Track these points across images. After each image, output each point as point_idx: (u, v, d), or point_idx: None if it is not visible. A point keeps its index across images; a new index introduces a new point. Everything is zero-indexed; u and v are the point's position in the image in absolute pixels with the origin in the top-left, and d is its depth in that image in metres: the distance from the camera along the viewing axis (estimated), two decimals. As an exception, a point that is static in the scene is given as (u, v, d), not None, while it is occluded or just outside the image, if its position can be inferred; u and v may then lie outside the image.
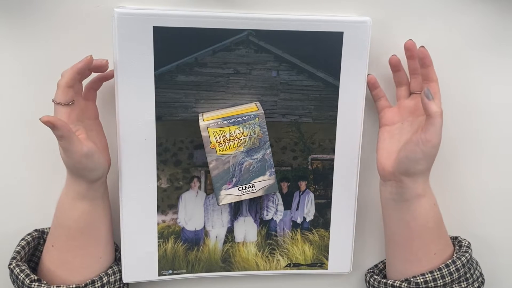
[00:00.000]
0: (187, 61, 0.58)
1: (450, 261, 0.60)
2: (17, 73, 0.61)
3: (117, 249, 0.65)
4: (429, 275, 0.59)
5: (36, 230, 0.63)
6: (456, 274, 0.60)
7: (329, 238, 0.67)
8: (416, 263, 0.61)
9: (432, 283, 0.59)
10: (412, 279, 0.60)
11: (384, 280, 0.63)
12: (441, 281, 0.59)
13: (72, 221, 0.58)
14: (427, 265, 0.61)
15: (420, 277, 0.60)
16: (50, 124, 0.51)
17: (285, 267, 0.67)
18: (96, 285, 0.60)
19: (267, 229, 0.66)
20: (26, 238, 0.61)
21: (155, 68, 0.58)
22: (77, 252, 0.60)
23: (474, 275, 0.62)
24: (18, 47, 0.60)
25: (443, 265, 0.60)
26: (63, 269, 0.60)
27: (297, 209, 0.65)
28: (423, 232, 0.61)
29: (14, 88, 0.62)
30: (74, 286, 0.58)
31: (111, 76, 0.59)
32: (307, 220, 0.66)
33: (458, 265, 0.60)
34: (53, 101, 0.55)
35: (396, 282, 0.62)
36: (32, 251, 0.62)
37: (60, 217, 0.59)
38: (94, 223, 0.60)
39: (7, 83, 0.61)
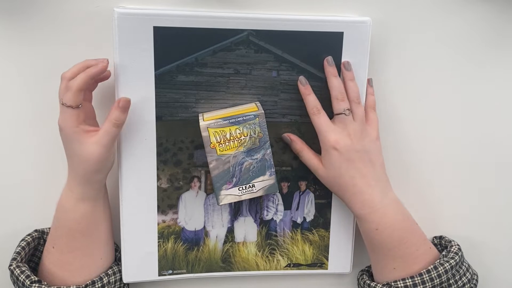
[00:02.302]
0: (187, 61, 0.58)
1: (431, 266, 0.59)
2: (18, 73, 0.61)
3: (117, 249, 0.65)
4: (410, 280, 0.59)
5: (36, 231, 0.63)
6: (438, 280, 0.59)
7: (329, 238, 0.67)
8: (392, 271, 0.61)
9: None
10: (392, 284, 0.60)
11: (368, 282, 0.63)
12: (421, 286, 0.58)
13: (74, 222, 0.58)
14: (406, 272, 0.61)
15: (401, 282, 0.59)
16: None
17: (285, 267, 0.67)
18: (97, 286, 0.59)
19: (267, 229, 0.66)
20: (26, 238, 0.61)
21: (155, 68, 0.58)
22: (78, 253, 0.59)
23: (460, 282, 0.60)
24: (18, 47, 0.60)
25: (424, 270, 0.59)
26: (63, 270, 0.60)
27: (297, 209, 0.65)
28: (379, 249, 0.61)
29: (15, 88, 0.61)
30: (74, 286, 0.58)
31: (107, 77, 0.59)
32: (307, 220, 0.66)
33: (440, 271, 0.59)
34: (62, 104, 0.54)
35: (378, 285, 0.62)
36: (32, 252, 0.62)
37: (61, 219, 0.59)
38: (95, 224, 0.60)
39: (7, 83, 0.61)
